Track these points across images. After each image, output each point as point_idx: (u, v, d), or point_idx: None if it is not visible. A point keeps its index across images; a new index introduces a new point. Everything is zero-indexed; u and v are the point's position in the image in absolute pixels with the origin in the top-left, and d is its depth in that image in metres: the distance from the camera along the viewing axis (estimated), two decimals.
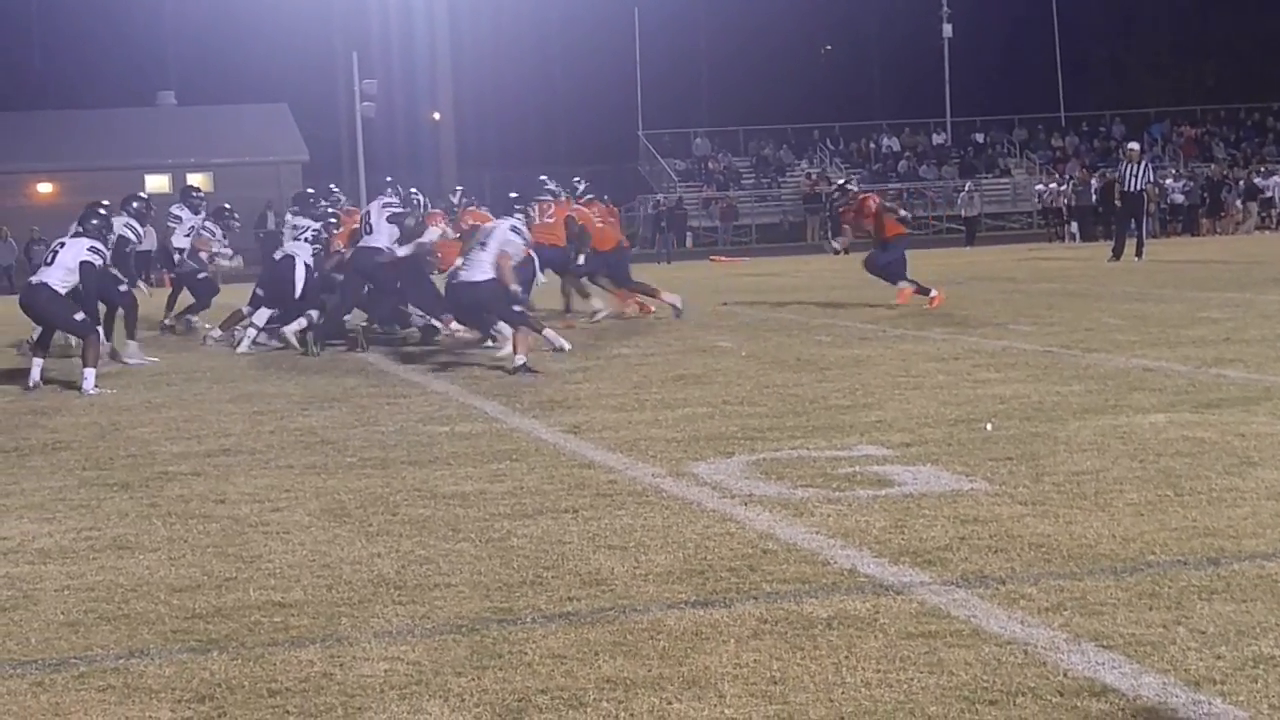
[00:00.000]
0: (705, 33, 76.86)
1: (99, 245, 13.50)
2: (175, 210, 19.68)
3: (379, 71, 55.95)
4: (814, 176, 59.97)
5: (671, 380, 11.78)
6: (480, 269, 13.37)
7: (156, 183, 54.53)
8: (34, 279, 13.51)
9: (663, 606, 5.30)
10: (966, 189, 52.99)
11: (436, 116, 64.48)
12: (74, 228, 13.70)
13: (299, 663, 4.82)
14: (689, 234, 55.48)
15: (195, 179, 55.61)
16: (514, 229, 13.88)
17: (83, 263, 13.21)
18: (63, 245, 13.49)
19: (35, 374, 13.36)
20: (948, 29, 65.49)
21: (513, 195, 15.29)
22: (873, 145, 65.41)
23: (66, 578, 6.05)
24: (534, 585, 5.65)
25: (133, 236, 16.28)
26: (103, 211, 13.99)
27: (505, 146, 67.57)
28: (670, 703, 4.33)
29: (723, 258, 41.72)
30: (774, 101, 69.71)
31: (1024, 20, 72.29)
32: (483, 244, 13.60)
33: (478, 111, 67.72)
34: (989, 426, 8.77)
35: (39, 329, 13.73)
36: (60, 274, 13.21)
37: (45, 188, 56.51)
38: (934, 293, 18.18)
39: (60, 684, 4.72)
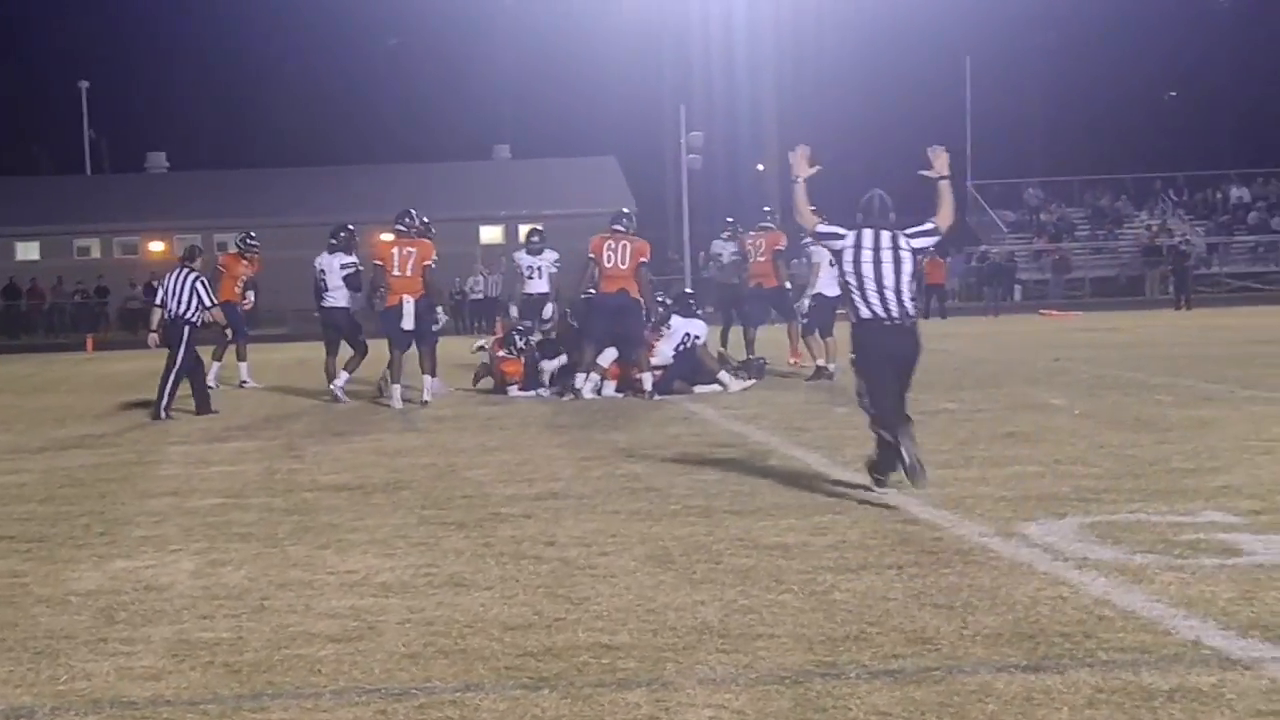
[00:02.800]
0: (1039, 79, 75.08)
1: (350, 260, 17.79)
2: (530, 259, 19.31)
3: (704, 124, 56.61)
4: (1154, 229, 58.20)
5: (1000, 437, 11.56)
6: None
7: (490, 234, 56.18)
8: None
9: (992, 669, 5.19)
10: None
11: (760, 167, 64.91)
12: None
13: (626, 705, 4.88)
14: (1017, 287, 54.37)
15: (525, 230, 57.48)
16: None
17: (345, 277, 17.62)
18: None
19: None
20: None
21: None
22: (1219, 195, 62.91)
23: (407, 611, 6.27)
24: (858, 640, 5.60)
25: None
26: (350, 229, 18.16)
27: (828, 197, 67.44)
28: None
29: (1054, 311, 40.82)
30: (1112, 150, 67.79)
31: None
32: None
33: None
34: None
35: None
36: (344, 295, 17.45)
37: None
38: None
39: (401, 713, 4.90)
